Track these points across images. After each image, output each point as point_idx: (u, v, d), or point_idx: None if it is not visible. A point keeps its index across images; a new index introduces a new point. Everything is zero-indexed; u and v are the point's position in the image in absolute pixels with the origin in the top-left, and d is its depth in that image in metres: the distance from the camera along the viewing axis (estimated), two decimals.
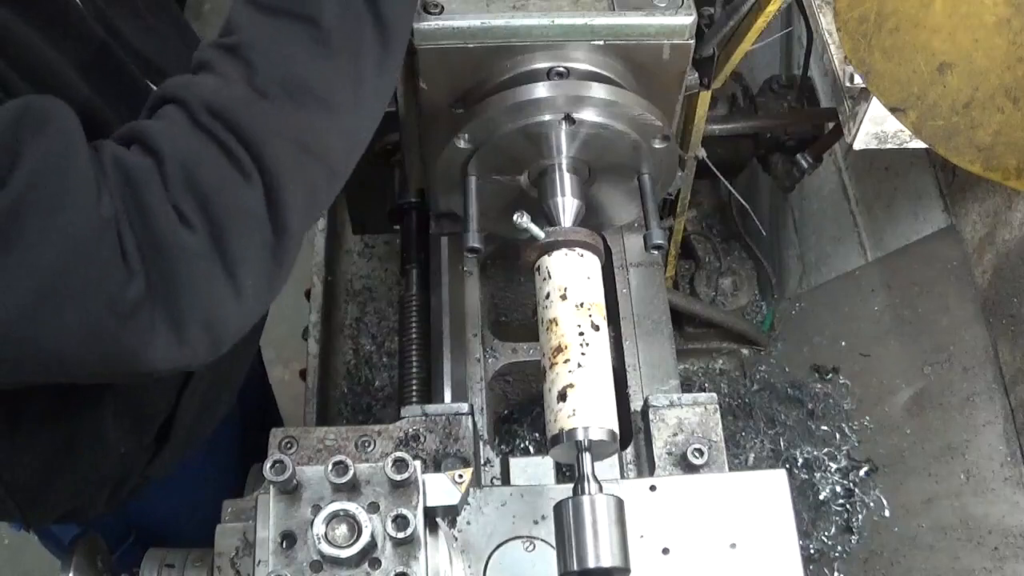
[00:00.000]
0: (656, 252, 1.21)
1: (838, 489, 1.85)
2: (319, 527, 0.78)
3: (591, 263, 0.98)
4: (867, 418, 1.86)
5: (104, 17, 0.97)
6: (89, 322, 0.75)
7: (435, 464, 1.08)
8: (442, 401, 1.30)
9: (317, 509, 0.79)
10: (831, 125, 1.75)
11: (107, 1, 0.99)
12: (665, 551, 0.99)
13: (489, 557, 0.99)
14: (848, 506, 1.82)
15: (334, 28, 0.83)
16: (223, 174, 0.78)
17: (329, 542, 0.77)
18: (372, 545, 0.78)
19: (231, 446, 1.51)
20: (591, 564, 0.82)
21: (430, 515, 0.84)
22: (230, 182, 0.78)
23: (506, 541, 1.00)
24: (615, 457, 1.09)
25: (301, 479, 0.82)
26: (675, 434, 1.09)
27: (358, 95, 0.86)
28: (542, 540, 0.99)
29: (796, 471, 1.90)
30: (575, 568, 0.83)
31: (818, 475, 1.87)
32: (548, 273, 0.97)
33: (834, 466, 1.87)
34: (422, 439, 1.10)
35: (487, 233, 1.12)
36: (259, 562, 0.94)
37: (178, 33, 1.16)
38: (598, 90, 1.06)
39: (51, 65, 0.87)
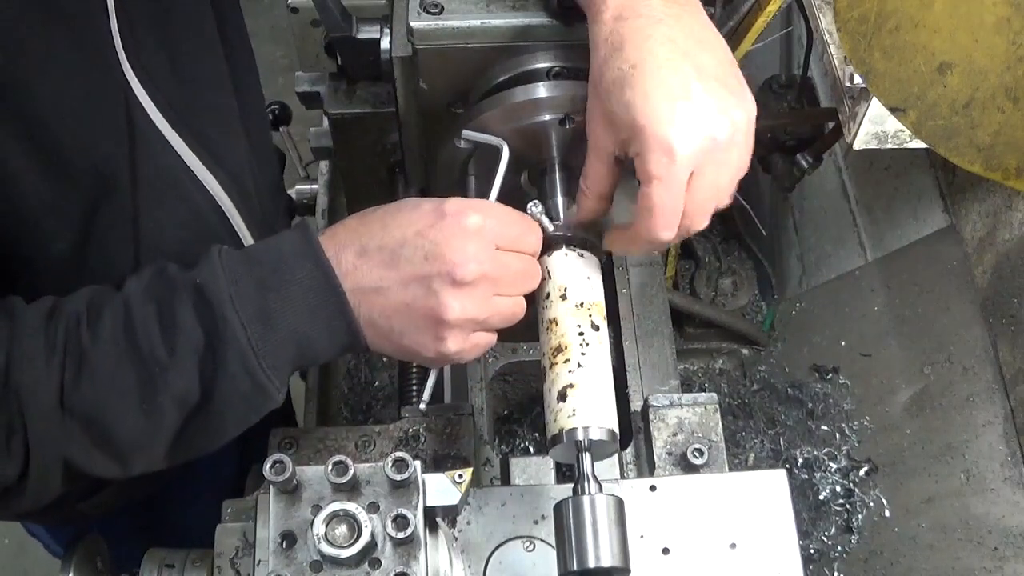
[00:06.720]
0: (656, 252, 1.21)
1: (838, 489, 1.85)
2: (319, 527, 0.78)
3: (591, 263, 0.98)
4: (867, 418, 1.86)
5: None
6: None
7: (435, 464, 1.08)
8: (442, 401, 1.30)
9: (317, 509, 0.79)
10: (831, 125, 1.75)
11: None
12: (665, 551, 0.98)
13: (489, 557, 0.99)
14: (848, 506, 1.82)
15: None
16: None
17: (329, 542, 0.77)
18: (372, 545, 0.78)
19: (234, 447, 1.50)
20: (591, 564, 0.82)
21: (430, 515, 0.84)
22: None
23: (506, 541, 1.00)
24: (615, 457, 1.09)
25: (301, 479, 0.82)
26: (675, 434, 1.09)
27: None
28: (542, 540, 0.99)
29: (796, 471, 1.90)
30: (575, 568, 0.83)
31: (818, 475, 1.87)
32: (548, 273, 0.96)
33: (834, 466, 1.87)
34: (422, 439, 1.10)
35: None
36: (259, 562, 0.94)
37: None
38: None
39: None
